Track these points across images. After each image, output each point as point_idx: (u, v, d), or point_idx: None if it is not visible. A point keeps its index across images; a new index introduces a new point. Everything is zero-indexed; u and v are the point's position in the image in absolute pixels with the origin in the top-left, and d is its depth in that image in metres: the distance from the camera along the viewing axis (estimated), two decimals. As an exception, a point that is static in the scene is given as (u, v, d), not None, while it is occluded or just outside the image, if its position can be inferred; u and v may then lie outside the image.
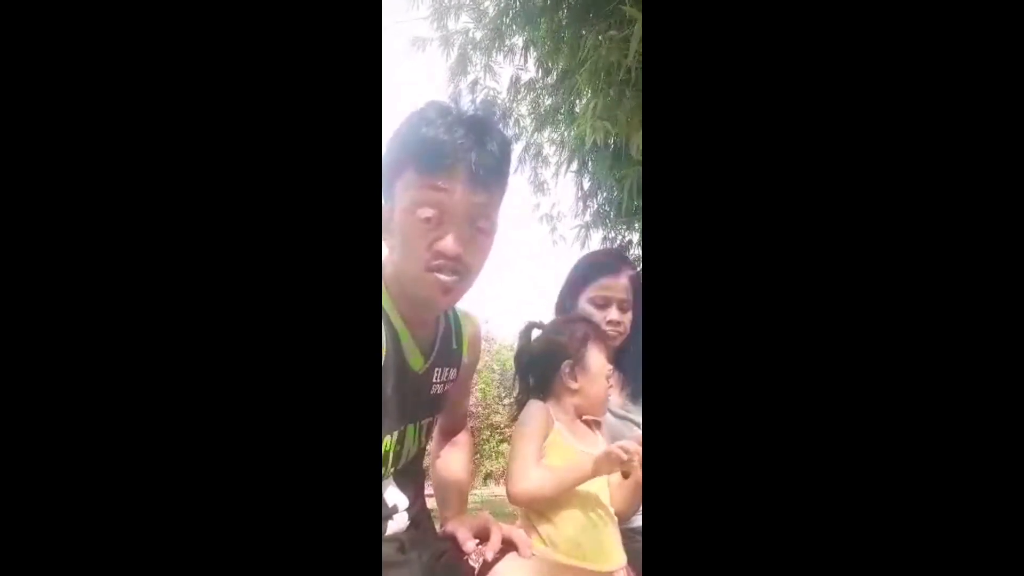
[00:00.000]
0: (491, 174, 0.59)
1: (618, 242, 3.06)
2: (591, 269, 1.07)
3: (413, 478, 0.73)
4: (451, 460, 0.82)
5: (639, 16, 1.55)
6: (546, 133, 3.36)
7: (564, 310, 1.08)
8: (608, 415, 1.07)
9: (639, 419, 1.09)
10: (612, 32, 1.60)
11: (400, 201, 0.59)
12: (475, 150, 0.57)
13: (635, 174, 2.14)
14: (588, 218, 2.72)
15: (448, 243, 0.57)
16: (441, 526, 0.73)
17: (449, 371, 0.74)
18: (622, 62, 1.63)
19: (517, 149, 3.42)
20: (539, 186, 3.30)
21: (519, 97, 3.45)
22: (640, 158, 1.79)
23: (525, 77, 3.35)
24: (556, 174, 3.29)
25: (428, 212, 0.57)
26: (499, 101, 3.49)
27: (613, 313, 1.02)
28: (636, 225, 2.88)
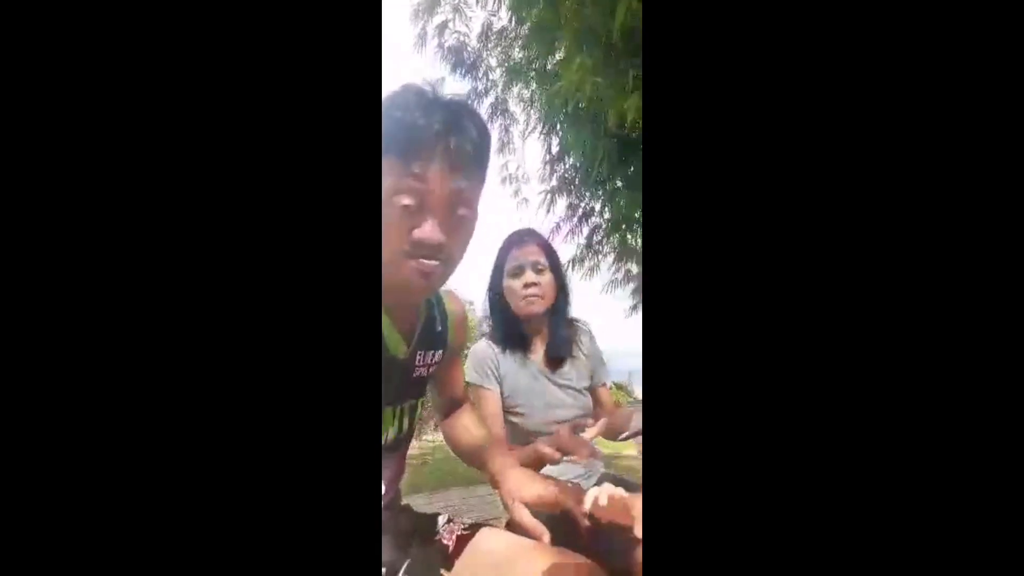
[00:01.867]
0: (471, 160, 0.57)
1: (581, 209, 3.05)
2: (504, 248, 1.14)
3: (391, 462, 0.71)
4: (462, 426, 0.83)
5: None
6: (515, 89, 3.21)
7: (493, 293, 1.15)
8: (548, 384, 1.11)
9: (581, 385, 1.12)
10: None
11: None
12: (453, 135, 0.55)
13: (609, 146, 2.10)
14: (554, 183, 2.67)
15: (428, 230, 0.56)
16: (495, 484, 0.71)
17: (433, 354, 0.73)
18: (610, 26, 1.55)
19: (485, 103, 3.28)
20: (505, 144, 3.19)
21: (489, 46, 3.26)
22: (617, 131, 1.75)
23: (497, 25, 3.16)
24: (524, 134, 3.19)
25: (407, 200, 0.55)
26: (468, 47, 3.30)
27: (529, 275, 1.09)
28: (600, 193, 2.87)
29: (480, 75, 3.26)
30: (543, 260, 1.11)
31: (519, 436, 1.10)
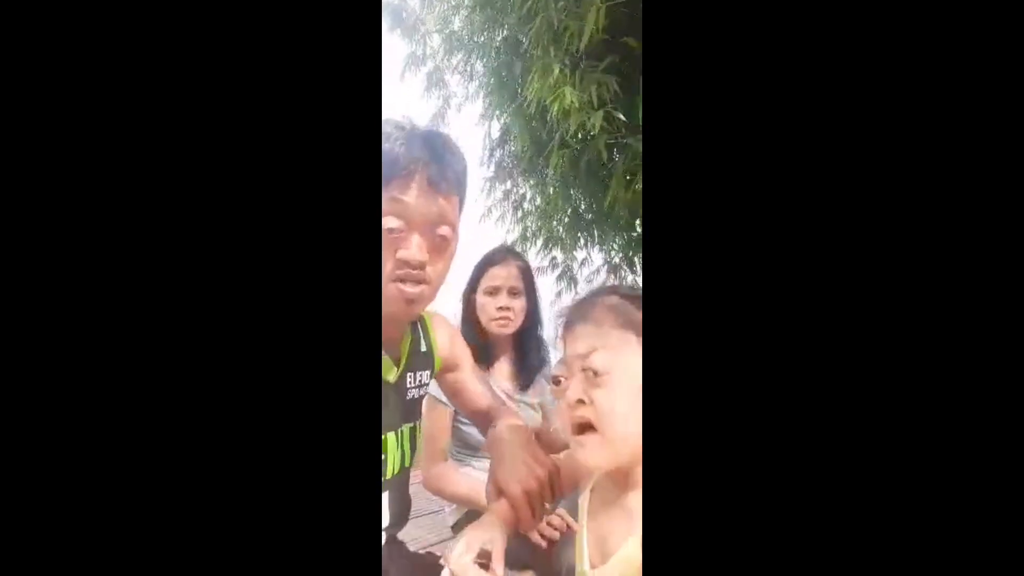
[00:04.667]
0: (449, 183, 0.61)
1: (513, 196, 3.08)
2: (483, 264, 1.20)
3: (400, 492, 0.73)
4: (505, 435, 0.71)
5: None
6: (454, 60, 3.08)
7: (468, 303, 1.19)
8: (507, 400, 1.17)
9: (533, 400, 1.21)
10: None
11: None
12: (432, 162, 0.59)
13: (551, 142, 2.13)
14: (492, 171, 2.65)
15: (411, 250, 0.59)
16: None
17: (421, 375, 0.75)
18: (579, 33, 1.57)
19: (421, 73, 3.11)
20: (441, 117, 3.07)
21: (429, 7, 3.07)
22: (571, 139, 1.80)
23: (442, -13, 2.98)
24: (459, 107, 3.09)
25: (393, 222, 0.58)
26: (405, 11, 3.08)
27: (503, 299, 1.15)
28: (532, 181, 2.92)
29: (418, 38, 3.07)
30: (520, 284, 1.16)
31: (468, 446, 1.16)
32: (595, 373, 0.50)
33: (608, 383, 0.50)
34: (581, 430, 0.52)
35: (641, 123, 1.65)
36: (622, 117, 1.60)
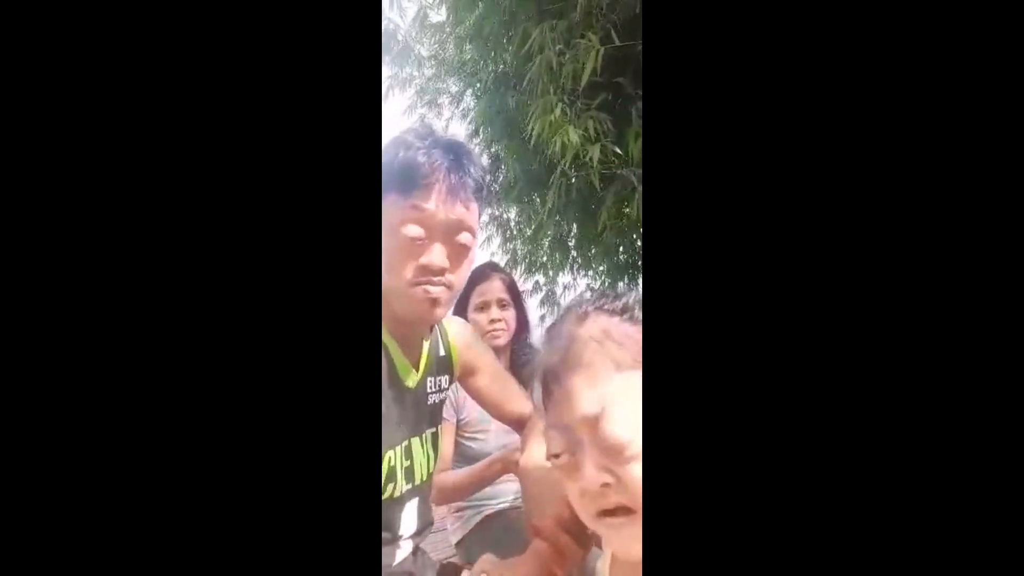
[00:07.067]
0: (469, 191, 0.63)
1: (498, 220, 3.16)
2: (469, 284, 1.24)
3: (426, 499, 0.74)
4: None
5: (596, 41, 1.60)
6: (445, 84, 3.17)
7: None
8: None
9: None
10: (581, 40, 1.62)
11: (385, 222, 0.61)
12: (453, 170, 0.62)
13: (543, 173, 2.22)
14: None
15: (434, 257, 0.61)
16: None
17: (441, 379, 0.77)
18: (576, 74, 1.67)
19: (410, 91, 3.18)
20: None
21: (421, 36, 3.16)
22: (567, 169, 1.89)
23: (434, 19, 3.08)
24: (445, 128, 3.16)
25: (414, 230, 0.60)
26: (399, 36, 3.16)
27: (494, 312, 1.21)
28: (513, 208, 3.00)
29: (411, 61, 3.15)
30: (506, 296, 1.23)
31: (475, 458, 1.19)
32: (614, 447, 0.39)
33: (635, 451, 0.38)
34: (611, 512, 0.41)
35: (631, 156, 1.76)
36: (617, 151, 1.70)
